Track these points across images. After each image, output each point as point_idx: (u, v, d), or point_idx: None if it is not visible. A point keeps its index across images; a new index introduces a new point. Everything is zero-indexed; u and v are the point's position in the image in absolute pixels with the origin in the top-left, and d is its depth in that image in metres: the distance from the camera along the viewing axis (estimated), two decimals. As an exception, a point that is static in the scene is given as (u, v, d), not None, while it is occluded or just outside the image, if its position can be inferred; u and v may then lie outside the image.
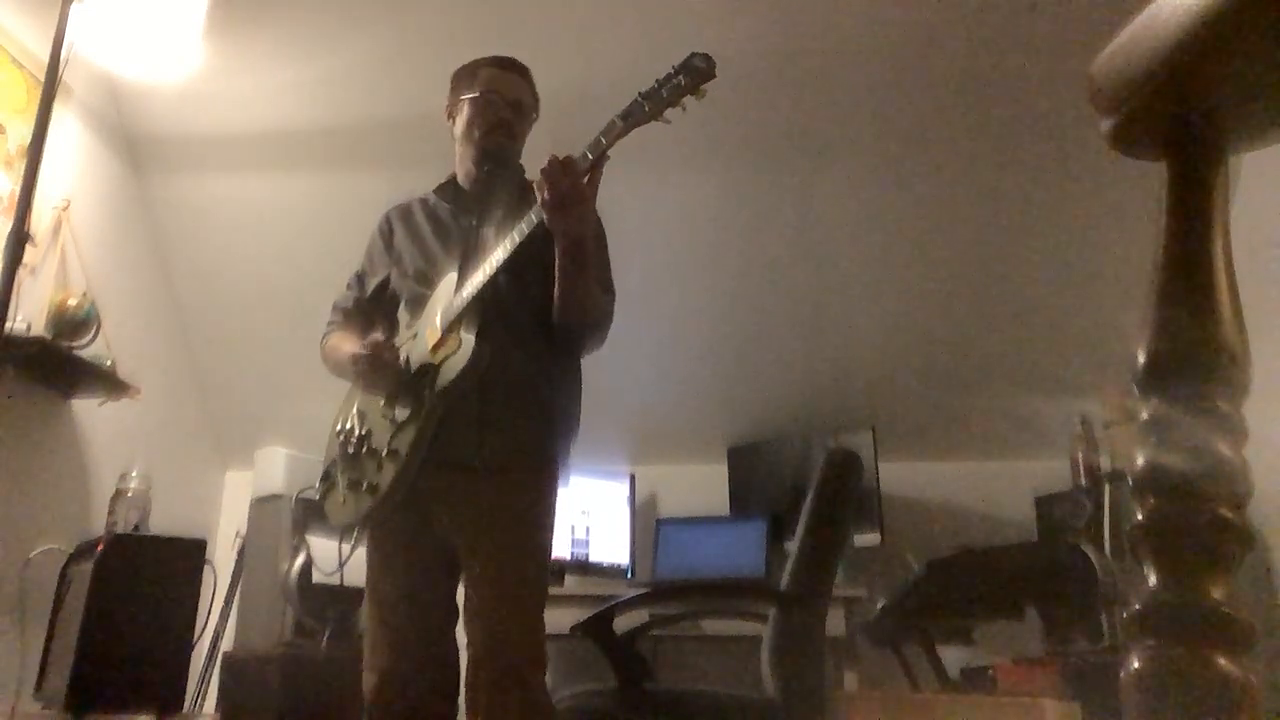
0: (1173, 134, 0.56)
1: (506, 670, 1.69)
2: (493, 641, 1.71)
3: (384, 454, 1.84)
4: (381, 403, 1.90)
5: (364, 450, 1.89)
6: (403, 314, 2.00)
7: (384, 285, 2.05)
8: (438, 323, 1.86)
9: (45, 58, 2.10)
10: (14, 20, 2.88)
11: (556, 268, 1.81)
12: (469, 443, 1.81)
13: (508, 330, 1.84)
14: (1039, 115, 2.96)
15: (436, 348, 1.84)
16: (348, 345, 1.95)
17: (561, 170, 1.68)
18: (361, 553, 1.95)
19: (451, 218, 2.03)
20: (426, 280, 1.96)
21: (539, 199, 1.71)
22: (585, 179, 1.71)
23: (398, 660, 1.80)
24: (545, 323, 1.90)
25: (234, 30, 3.08)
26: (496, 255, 1.79)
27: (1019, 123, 3.01)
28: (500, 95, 2.00)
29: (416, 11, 3.03)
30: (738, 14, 2.91)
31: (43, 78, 2.17)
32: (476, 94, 2.00)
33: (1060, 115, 2.90)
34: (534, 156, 1.95)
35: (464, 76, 2.06)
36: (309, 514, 3.15)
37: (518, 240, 1.76)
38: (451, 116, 2.07)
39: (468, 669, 1.73)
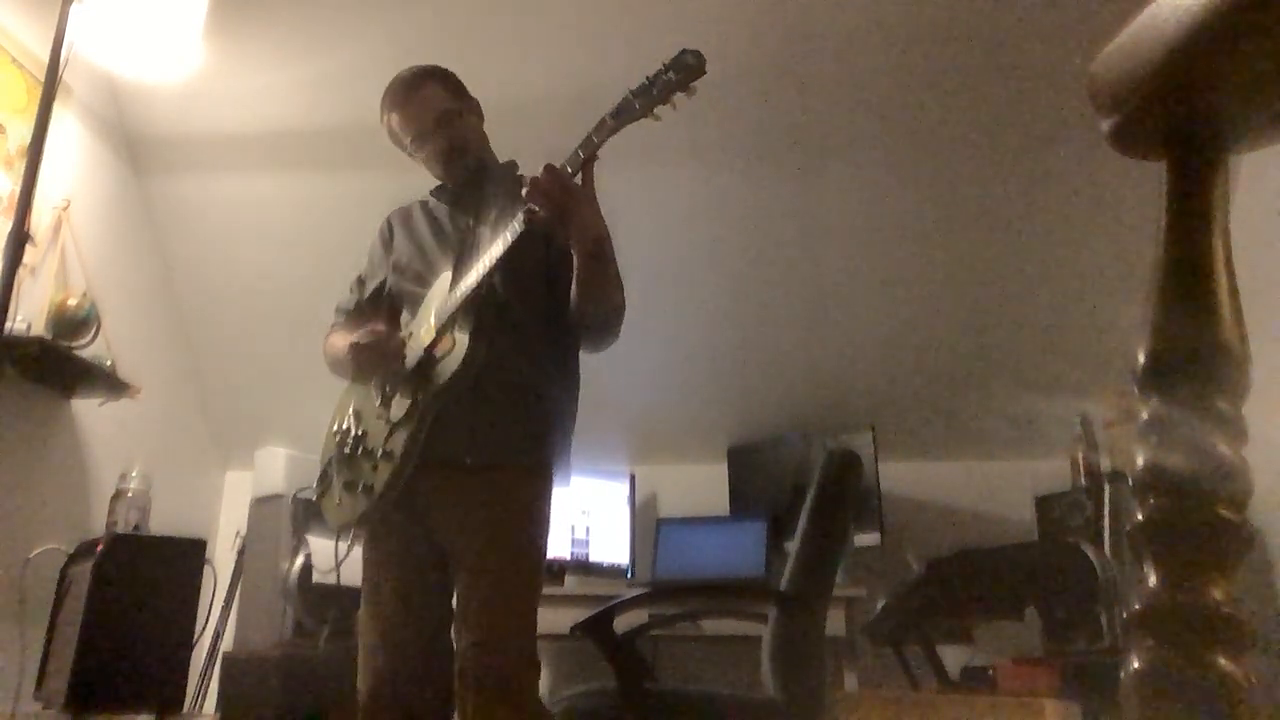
0: (1173, 134, 0.55)
1: (494, 673, 1.67)
2: (481, 643, 1.69)
3: (379, 455, 1.83)
4: (377, 402, 1.90)
5: (359, 451, 1.88)
6: (404, 317, 2.00)
7: (381, 288, 2.05)
8: (432, 322, 1.86)
9: (45, 58, 2.10)
10: (14, 20, 2.88)
11: (577, 269, 1.78)
12: (463, 442, 1.80)
13: (503, 329, 1.83)
14: (1039, 115, 2.96)
15: (431, 347, 1.84)
16: (344, 341, 1.95)
17: (551, 182, 1.67)
18: (361, 552, 1.94)
19: (449, 218, 2.03)
20: (423, 281, 1.96)
21: (527, 202, 1.70)
22: (580, 179, 1.69)
23: (393, 661, 1.79)
24: (542, 321, 1.89)
25: (234, 30, 3.08)
26: (490, 254, 1.78)
27: (1019, 123, 3.01)
28: (427, 128, 1.96)
29: (416, 11, 3.03)
30: (739, 13, 2.91)
31: (43, 78, 2.17)
32: (409, 142, 1.99)
33: (1061, 115, 2.90)
34: (529, 156, 1.95)
35: (387, 129, 2.01)
36: (308, 514, 3.15)
37: (510, 239, 1.75)
38: (413, 156, 2.04)
39: (456, 672, 1.71)
